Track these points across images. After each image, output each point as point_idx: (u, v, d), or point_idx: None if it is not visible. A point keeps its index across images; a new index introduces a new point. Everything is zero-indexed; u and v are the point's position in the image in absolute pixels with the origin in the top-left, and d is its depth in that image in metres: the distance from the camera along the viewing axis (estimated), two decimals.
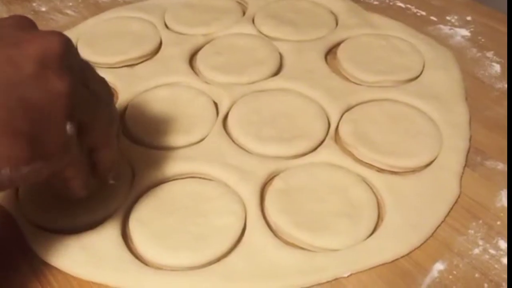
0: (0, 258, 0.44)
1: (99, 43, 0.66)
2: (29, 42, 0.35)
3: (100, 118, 0.40)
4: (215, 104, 0.58)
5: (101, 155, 0.42)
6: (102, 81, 0.42)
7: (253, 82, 0.60)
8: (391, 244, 0.45)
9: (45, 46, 0.35)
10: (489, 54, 0.67)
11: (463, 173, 0.51)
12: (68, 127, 0.36)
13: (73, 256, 0.44)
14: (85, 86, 0.38)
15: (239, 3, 0.75)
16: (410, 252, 0.45)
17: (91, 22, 0.71)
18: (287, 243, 0.45)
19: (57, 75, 0.35)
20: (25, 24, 0.37)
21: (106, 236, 0.45)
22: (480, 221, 0.48)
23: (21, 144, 0.33)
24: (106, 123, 0.41)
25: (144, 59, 0.64)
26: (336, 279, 0.43)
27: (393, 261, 0.44)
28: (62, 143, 0.35)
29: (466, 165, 0.52)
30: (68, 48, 0.36)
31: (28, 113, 0.33)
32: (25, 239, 0.45)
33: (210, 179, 0.50)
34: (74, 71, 0.37)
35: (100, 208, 0.47)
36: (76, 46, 0.66)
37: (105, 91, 0.41)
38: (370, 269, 0.44)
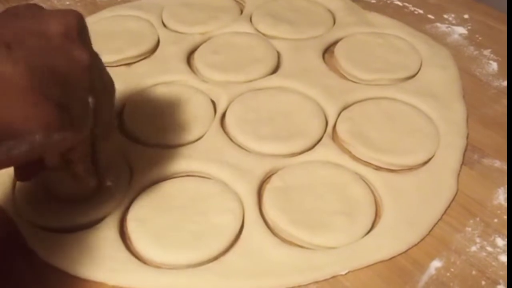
0: None
1: (96, 41, 0.65)
2: (50, 17, 0.36)
3: (107, 103, 0.41)
4: (213, 103, 0.58)
5: (101, 144, 0.42)
6: (108, 73, 0.42)
7: (250, 81, 0.60)
8: (389, 242, 0.45)
9: (66, 20, 0.36)
10: (486, 52, 0.67)
11: (460, 170, 0.52)
12: (90, 100, 0.37)
13: (72, 255, 0.44)
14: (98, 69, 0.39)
15: (237, 1, 0.75)
16: (408, 250, 0.45)
17: (89, 20, 0.69)
18: (284, 241, 0.45)
19: (80, 48, 0.36)
20: (39, 8, 0.38)
21: (104, 235, 0.45)
22: (477, 219, 0.48)
23: (53, 111, 0.33)
24: (110, 110, 0.42)
25: (142, 57, 0.64)
26: (333, 276, 0.43)
27: (390, 258, 0.44)
28: (86, 114, 0.37)
29: (463, 162, 0.52)
30: (84, 24, 0.38)
31: (57, 81, 0.34)
32: (24, 239, 0.45)
33: (208, 178, 0.50)
34: (90, 48, 0.38)
35: (98, 208, 0.46)
36: None
37: (110, 82, 0.42)
38: (367, 266, 0.44)
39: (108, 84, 0.41)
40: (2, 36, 0.33)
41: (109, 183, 0.46)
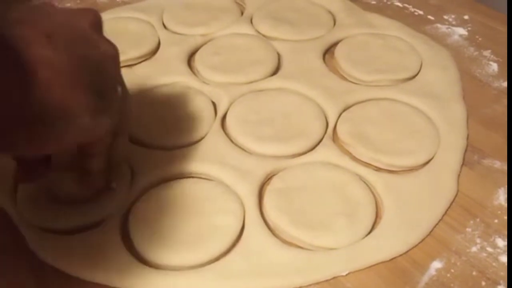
0: (1, 259, 0.44)
1: None
2: (76, 13, 0.39)
3: (126, 101, 0.43)
4: (214, 104, 0.58)
5: (117, 142, 0.44)
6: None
7: (251, 82, 0.61)
8: (389, 243, 0.45)
9: (91, 16, 0.39)
10: (486, 53, 0.67)
11: (460, 171, 0.52)
12: (119, 88, 0.38)
13: (73, 256, 0.44)
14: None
15: (237, 3, 0.76)
16: (408, 251, 0.45)
17: None
18: (285, 242, 0.45)
19: (106, 41, 0.39)
20: (57, 6, 0.40)
21: (106, 237, 0.45)
22: (478, 219, 0.48)
23: (93, 95, 0.35)
24: (129, 109, 0.44)
25: (143, 59, 0.64)
26: (334, 277, 0.43)
27: (391, 259, 0.44)
28: (117, 102, 0.38)
29: (463, 163, 0.53)
30: (102, 22, 0.41)
31: (92, 69, 0.36)
32: (24, 240, 0.45)
33: (209, 179, 0.51)
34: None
35: (99, 210, 0.47)
36: None
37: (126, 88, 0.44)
38: (368, 267, 0.44)
39: (125, 85, 0.43)
40: (42, 27, 0.34)
41: (113, 185, 0.47)
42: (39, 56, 0.32)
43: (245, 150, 0.53)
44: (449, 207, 0.49)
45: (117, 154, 0.45)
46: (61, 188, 0.47)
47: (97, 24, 0.40)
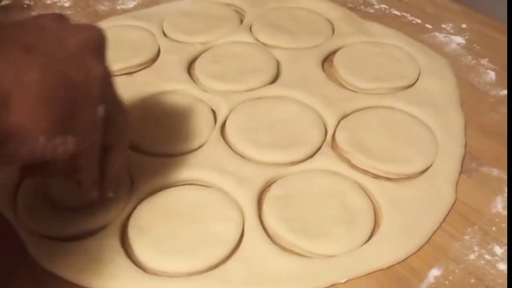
0: (0, 265, 0.44)
1: None
2: (73, 28, 0.38)
3: (120, 118, 0.42)
4: (213, 112, 0.59)
5: (113, 157, 0.43)
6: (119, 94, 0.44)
7: (250, 90, 0.61)
8: (387, 250, 0.45)
9: (89, 33, 0.39)
10: (484, 61, 0.67)
11: (458, 179, 0.52)
12: (99, 109, 0.38)
13: (73, 263, 0.44)
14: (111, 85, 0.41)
15: (237, 11, 0.76)
16: (406, 258, 0.45)
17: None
18: (284, 249, 0.46)
19: (96, 60, 0.38)
20: (66, 18, 0.40)
21: (105, 243, 0.45)
22: (476, 227, 0.48)
23: (58, 115, 0.34)
24: (124, 125, 0.43)
25: (143, 67, 0.65)
26: (333, 285, 0.43)
27: (389, 267, 0.45)
28: (92, 122, 0.38)
29: (461, 171, 0.53)
30: (104, 41, 0.40)
31: (67, 88, 0.35)
32: (25, 247, 0.45)
33: (208, 186, 0.51)
34: (106, 63, 0.40)
35: (99, 217, 0.47)
36: None
37: (121, 101, 0.43)
38: (366, 275, 0.44)
39: (120, 102, 0.43)
40: (23, 37, 0.34)
41: (111, 195, 0.47)
42: (5, 69, 0.32)
43: (244, 158, 0.53)
44: (447, 215, 0.49)
45: (114, 167, 0.44)
46: (58, 194, 0.48)
47: (93, 42, 0.39)
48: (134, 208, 0.48)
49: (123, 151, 0.45)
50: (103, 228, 0.46)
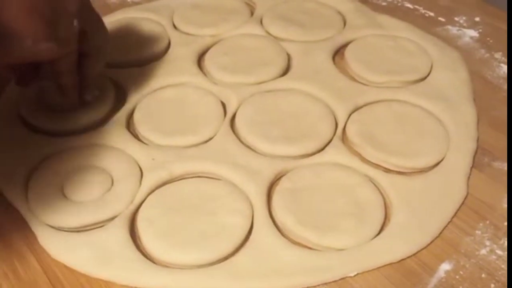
0: (11, 256, 0.45)
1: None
2: None
3: (98, 33, 0.52)
4: (223, 104, 0.58)
5: (91, 62, 0.52)
6: (98, 14, 0.52)
7: (260, 83, 0.61)
8: (398, 244, 0.45)
9: None
10: (497, 55, 0.67)
11: (470, 173, 0.52)
12: (75, 22, 0.45)
13: (82, 254, 0.44)
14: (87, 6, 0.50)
15: (247, 4, 0.76)
16: (417, 252, 0.45)
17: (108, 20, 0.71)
18: (294, 242, 0.45)
19: None
20: None
21: (114, 235, 0.45)
22: (487, 222, 0.48)
23: (42, 24, 0.42)
24: (103, 39, 0.53)
25: (153, 59, 0.65)
26: (342, 278, 0.43)
27: (399, 261, 0.44)
28: (70, 32, 0.45)
29: (473, 165, 0.52)
30: None
31: (50, 3, 0.42)
32: (35, 237, 0.46)
33: (217, 179, 0.51)
34: None
35: (106, 208, 0.47)
36: None
37: (100, 19, 0.53)
38: (376, 268, 0.44)
39: (99, 21, 0.52)
40: None
41: (89, 98, 0.55)
42: None
43: (254, 150, 0.53)
44: (458, 209, 0.48)
45: (92, 72, 0.52)
46: (50, 97, 0.56)
47: None
48: (144, 200, 0.48)
49: (100, 61, 0.53)
50: (112, 219, 0.46)
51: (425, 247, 0.45)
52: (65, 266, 0.44)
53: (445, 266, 0.44)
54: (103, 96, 0.57)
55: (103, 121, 0.56)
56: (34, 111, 0.56)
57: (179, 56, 0.65)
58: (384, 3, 0.76)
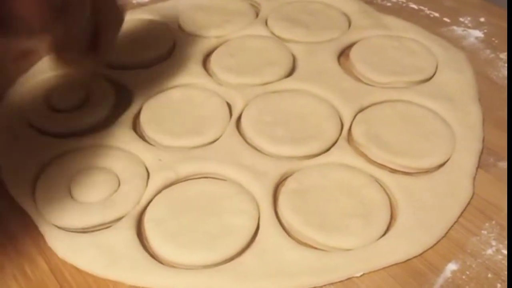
0: (19, 256, 0.45)
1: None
2: None
3: (112, 11, 0.51)
4: (229, 105, 0.59)
5: (104, 33, 0.50)
6: None
7: (266, 83, 0.61)
8: (404, 244, 0.45)
9: None
10: (503, 55, 0.66)
11: (476, 174, 0.52)
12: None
13: (90, 254, 0.44)
14: None
15: (252, 5, 0.76)
16: (423, 252, 0.45)
17: None
18: (300, 243, 0.46)
19: None
20: None
21: (122, 235, 0.45)
22: (493, 222, 0.48)
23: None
24: (116, 15, 0.52)
25: (158, 60, 0.65)
26: (349, 278, 0.43)
27: (406, 261, 0.44)
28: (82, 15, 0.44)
29: (479, 166, 0.52)
30: None
31: None
32: (43, 238, 0.46)
33: (223, 179, 0.51)
34: None
35: (113, 209, 0.47)
36: None
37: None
38: (383, 268, 0.44)
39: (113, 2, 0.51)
40: None
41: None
42: None
43: (260, 151, 0.53)
44: (464, 209, 0.48)
45: (105, 41, 0.51)
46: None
47: None
48: (150, 200, 0.48)
49: (114, 31, 0.52)
50: (119, 220, 0.47)
51: (431, 247, 0.45)
52: (73, 267, 0.44)
53: (452, 266, 0.44)
54: (104, 95, 0.58)
55: (109, 122, 0.56)
56: (39, 113, 0.56)
57: (185, 57, 0.65)
58: (389, 4, 0.77)
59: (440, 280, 0.43)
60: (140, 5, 0.76)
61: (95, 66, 0.55)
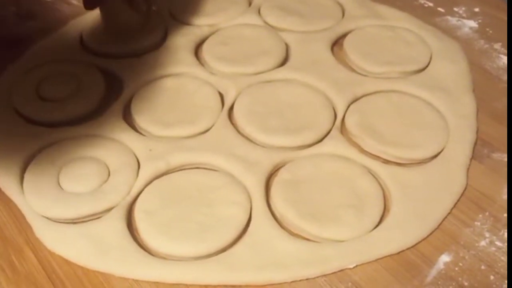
0: (7, 248, 0.45)
1: (104, 33, 0.65)
2: None
3: None
4: (221, 95, 0.58)
5: None
6: None
7: (259, 73, 0.60)
8: (397, 236, 0.45)
9: None
10: (497, 45, 0.66)
11: (469, 165, 0.51)
12: None
13: (79, 246, 0.44)
14: None
15: None
16: (416, 244, 0.45)
17: (96, 12, 0.71)
18: (292, 234, 0.45)
19: None
20: None
21: (111, 226, 0.45)
22: (487, 213, 0.47)
23: None
24: None
25: (150, 49, 0.64)
26: (342, 270, 0.43)
27: (399, 252, 0.44)
28: None
29: (473, 157, 0.52)
30: None
31: None
32: (31, 229, 0.45)
33: (215, 170, 0.50)
34: None
35: (103, 199, 0.47)
36: (81, 37, 0.65)
37: None
38: (376, 260, 0.44)
39: None
40: None
41: (154, 8, 0.61)
42: None
43: (252, 141, 0.53)
44: (458, 201, 0.48)
45: None
46: (116, 18, 0.62)
47: None
48: (141, 191, 0.48)
49: None
50: (109, 211, 0.46)
51: (424, 239, 0.45)
52: (62, 258, 0.44)
53: (445, 258, 0.44)
54: (94, 85, 0.58)
55: (100, 111, 0.55)
56: (28, 102, 0.56)
57: (177, 46, 0.64)
58: None
59: (433, 272, 0.43)
60: None
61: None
